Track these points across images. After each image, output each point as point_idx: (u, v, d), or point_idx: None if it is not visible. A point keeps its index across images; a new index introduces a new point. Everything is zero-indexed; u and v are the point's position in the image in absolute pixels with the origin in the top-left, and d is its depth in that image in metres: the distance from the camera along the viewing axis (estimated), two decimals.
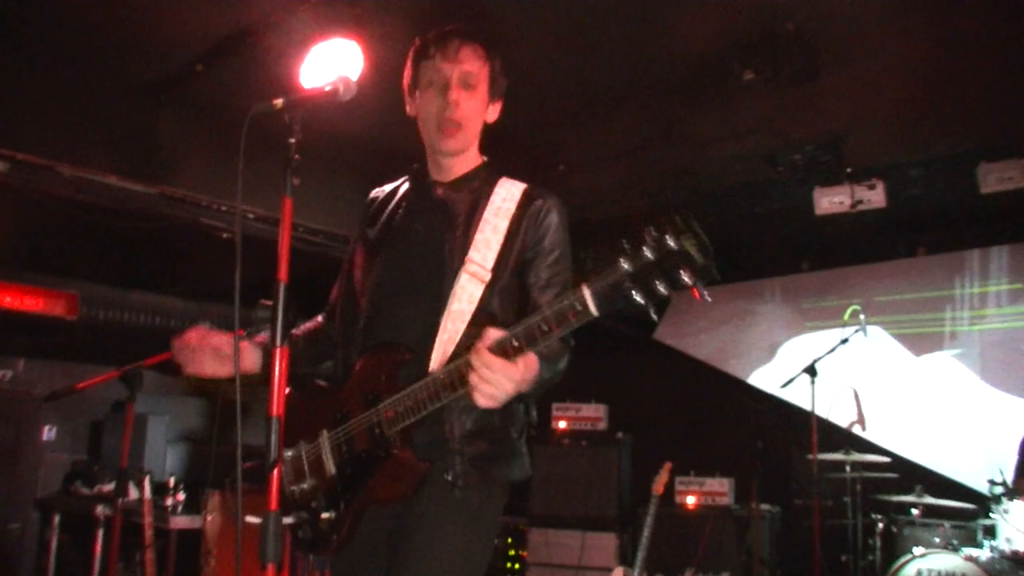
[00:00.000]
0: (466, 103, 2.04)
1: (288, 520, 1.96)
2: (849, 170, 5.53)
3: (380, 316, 2.03)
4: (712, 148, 5.47)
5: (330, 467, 1.95)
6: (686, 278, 1.46)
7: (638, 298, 1.52)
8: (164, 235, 5.49)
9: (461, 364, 1.71)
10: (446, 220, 2.02)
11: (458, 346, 1.88)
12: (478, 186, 2.06)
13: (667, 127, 5.27)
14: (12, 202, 5.15)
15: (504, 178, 2.08)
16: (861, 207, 5.48)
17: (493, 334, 1.66)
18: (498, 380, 1.63)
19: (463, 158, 2.11)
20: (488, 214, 1.99)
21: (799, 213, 5.77)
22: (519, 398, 1.83)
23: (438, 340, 1.88)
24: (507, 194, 2.03)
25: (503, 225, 1.97)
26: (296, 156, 1.77)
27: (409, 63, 2.15)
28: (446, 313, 1.90)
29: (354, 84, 1.86)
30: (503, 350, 1.64)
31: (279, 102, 1.79)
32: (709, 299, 1.49)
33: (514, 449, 2.00)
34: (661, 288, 1.50)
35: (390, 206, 2.19)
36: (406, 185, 2.22)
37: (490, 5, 4.09)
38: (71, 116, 4.73)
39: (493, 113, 2.15)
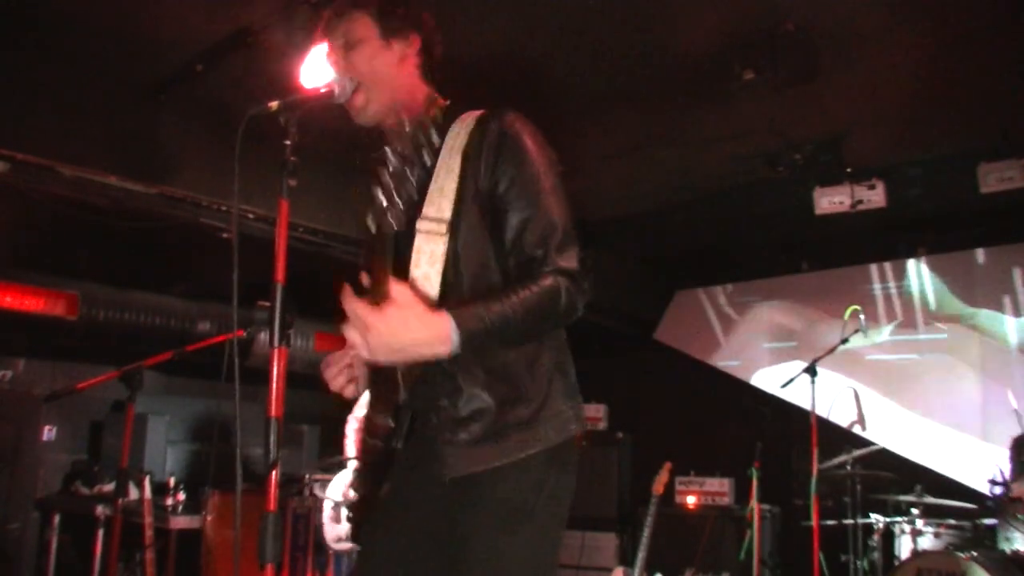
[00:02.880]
0: (353, 61, 1.86)
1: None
2: (849, 170, 5.53)
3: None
4: (712, 148, 5.47)
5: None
6: None
7: None
8: (164, 235, 5.49)
9: None
10: (396, 183, 1.83)
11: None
12: (428, 136, 1.81)
13: (667, 127, 5.27)
14: (12, 202, 5.15)
15: (465, 114, 1.82)
16: (861, 207, 5.48)
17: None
18: (358, 327, 1.51)
19: (404, 116, 1.89)
20: (441, 158, 1.75)
21: (799, 213, 5.77)
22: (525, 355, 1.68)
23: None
24: (460, 128, 1.78)
25: (456, 163, 1.72)
26: (292, 158, 1.76)
27: None
28: (409, 282, 1.66)
29: (350, 85, 1.85)
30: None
31: (275, 104, 1.78)
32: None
33: (513, 424, 1.69)
34: None
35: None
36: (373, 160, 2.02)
37: (491, 5, 4.10)
38: (71, 116, 4.73)
39: (408, 48, 1.90)
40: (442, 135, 1.79)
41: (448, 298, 1.66)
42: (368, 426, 1.76)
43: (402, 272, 1.73)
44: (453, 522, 1.70)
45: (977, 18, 4.04)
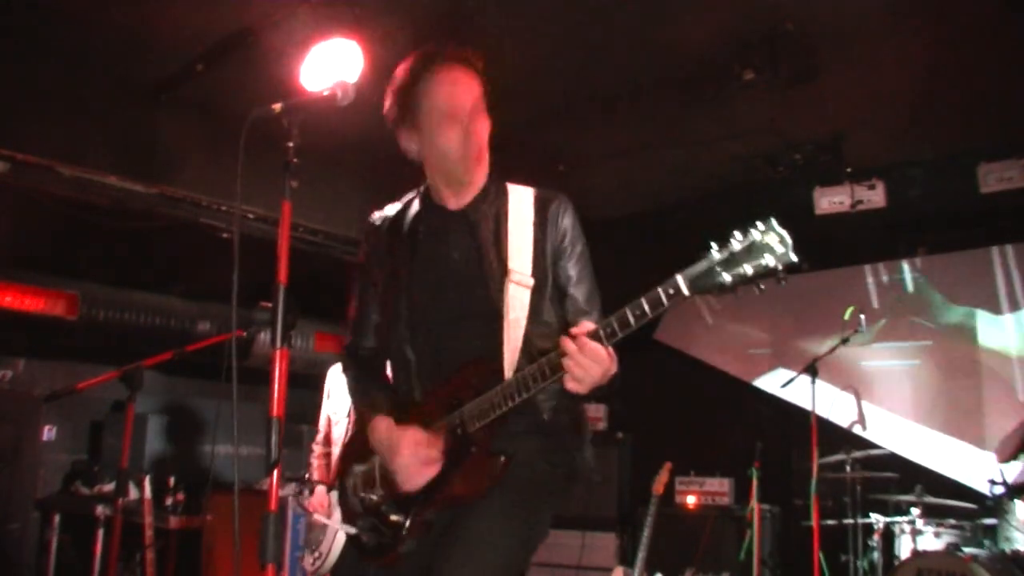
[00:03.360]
0: (483, 129, 2.09)
1: (351, 530, 2.08)
2: (849, 170, 5.53)
3: (442, 342, 2.10)
4: (712, 148, 5.47)
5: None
6: (769, 261, 1.67)
7: (727, 278, 1.68)
8: (164, 235, 5.49)
9: (552, 355, 1.83)
10: (477, 239, 2.09)
11: (522, 351, 1.99)
12: (492, 198, 2.13)
13: (667, 127, 5.27)
14: (12, 202, 5.15)
15: (510, 184, 2.16)
16: (861, 207, 5.48)
17: (588, 324, 1.80)
18: (588, 364, 1.76)
19: (474, 179, 2.15)
20: (512, 224, 2.08)
21: (799, 213, 5.77)
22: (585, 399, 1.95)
23: (505, 349, 1.98)
24: (521, 201, 2.12)
25: (528, 231, 2.07)
26: (294, 160, 1.76)
27: (399, 93, 2.11)
28: (504, 324, 2.00)
29: (352, 89, 1.86)
30: (596, 337, 1.77)
31: (278, 107, 1.79)
32: (784, 283, 1.69)
33: (580, 443, 2.13)
34: (747, 269, 1.67)
35: (404, 231, 2.21)
36: (416, 207, 2.23)
37: (491, 5, 4.10)
38: (71, 116, 4.73)
39: (490, 127, 2.19)
40: (503, 202, 2.12)
41: (529, 338, 2.00)
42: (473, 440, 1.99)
43: (452, 303, 2.09)
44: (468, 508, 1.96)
45: (977, 18, 4.05)
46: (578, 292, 2.11)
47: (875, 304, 6.68)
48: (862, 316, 5.35)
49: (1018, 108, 4.81)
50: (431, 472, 1.96)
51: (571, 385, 1.79)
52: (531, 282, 2.03)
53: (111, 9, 4.14)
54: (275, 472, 1.54)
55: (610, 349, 1.81)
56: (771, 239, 1.72)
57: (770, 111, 4.90)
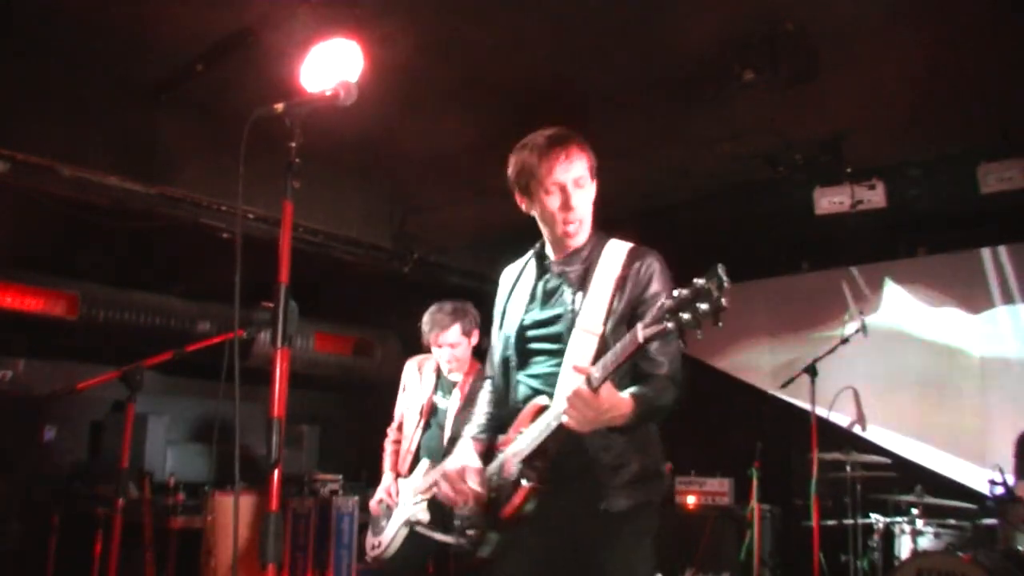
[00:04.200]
0: (581, 201, 2.35)
1: (448, 539, 2.40)
2: (849, 170, 5.53)
3: (519, 382, 2.40)
4: (712, 148, 5.47)
5: (483, 496, 2.31)
6: (704, 307, 1.81)
7: (670, 326, 1.83)
8: (164, 235, 5.49)
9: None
10: (563, 290, 2.34)
11: None
12: (588, 255, 2.36)
13: (667, 127, 5.27)
14: (12, 202, 5.15)
15: (612, 240, 2.39)
16: (861, 207, 5.48)
17: (589, 369, 1.99)
18: (580, 406, 1.95)
19: (576, 237, 2.40)
20: (596, 277, 2.29)
21: (799, 213, 5.77)
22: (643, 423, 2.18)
23: (558, 390, 2.21)
24: (614, 255, 2.33)
25: (610, 283, 2.27)
26: (296, 160, 1.77)
27: (517, 163, 2.41)
28: (563, 367, 2.22)
29: (355, 88, 1.86)
30: (587, 382, 1.96)
31: (280, 107, 1.79)
32: (720, 326, 1.81)
33: (658, 470, 2.31)
34: (686, 317, 1.81)
35: (519, 281, 2.52)
36: (531, 262, 2.52)
37: (491, 6, 4.10)
38: (71, 116, 4.73)
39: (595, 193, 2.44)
40: (597, 258, 2.33)
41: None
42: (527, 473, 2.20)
43: (534, 345, 2.37)
44: (596, 543, 2.23)
45: (977, 18, 4.05)
46: (656, 345, 2.17)
47: (875, 303, 6.68)
48: (862, 316, 5.35)
49: (1018, 108, 4.81)
50: (459, 500, 2.28)
51: (570, 424, 1.99)
52: (599, 330, 2.20)
53: (111, 9, 4.14)
54: (276, 472, 1.54)
55: (617, 395, 2.00)
56: (712, 286, 1.84)
57: (770, 111, 4.90)
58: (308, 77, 3.91)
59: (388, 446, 4.36)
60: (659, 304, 1.87)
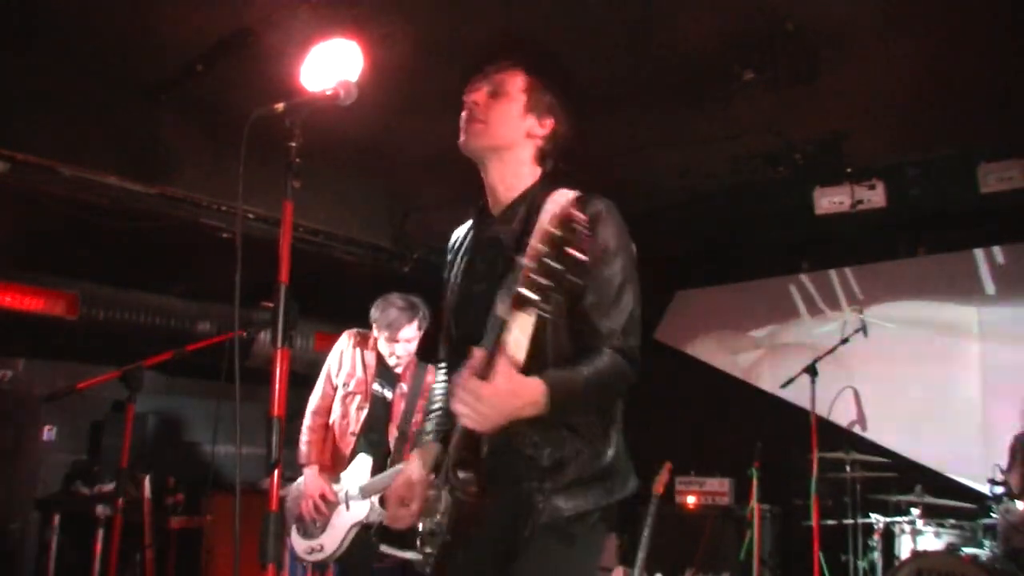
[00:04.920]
0: (488, 104, 2.02)
1: (414, 556, 1.99)
2: (849, 170, 5.53)
3: (460, 364, 1.99)
4: (712, 148, 5.47)
5: (441, 504, 1.93)
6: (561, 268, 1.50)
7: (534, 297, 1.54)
8: (164, 235, 5.49)
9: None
10: (496, 256, 1.96)
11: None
12: (525, 212, 1.97)
13: (667, 127, 5.27)
14: (12, 202, 5.15)
15: (558, 190, 1.86)
16: (861, 207, 5.48)
17: (476, 355, 1.67)
18: (470, 401, 1.62)
19: (510, 182, 2.05)
20: (534, 235, 1.80)
21: (799, 213, 5.77)
22: (596, 416, 1.89)
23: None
24: (552, 208, 1.81)
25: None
26: (297, 159, 1.77)
27: None
28: (501, 349, 1.76)
29: (355, 88, 1.86)
30: (475, 369, 1.65)
31: (280, 106, 1.79)
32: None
33: (610, 469, 1.93)
34: (545, 282, 1.53)
35: (461, 249, 2.18)
36: (469, 232, 2.20)
37: (491, 6, 4.10)
38: (71, 116, 4.73)
39: (541, 129, 2.06)
40: (536, 209, 1.85)
41: (533, 361, 1.75)
42: (452, 482, 1.85)
43: (469, 324, 1.96)
44: (520, 561, 1.86)
45: (977, 18, 4.04)
46: (589, 299, 1.86)
47: (875, 303, 6.67)
48: (862, 316, 5.35)
49: (1018, 108, 4.81)
50: (404, 516, 1.94)
51: (466, 423, 1.67)
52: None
53: (111, 9, 4.14)
54: (276, 472, 1.54)
55: (503, 383, 1.62)
56: (568, 234, 1.54)
57: (770, 111, 4.90)
58: (308, 77, 3.91)
59: (307, 432, 3.96)
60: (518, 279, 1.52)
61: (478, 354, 1.66)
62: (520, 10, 4.11)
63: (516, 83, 2.04)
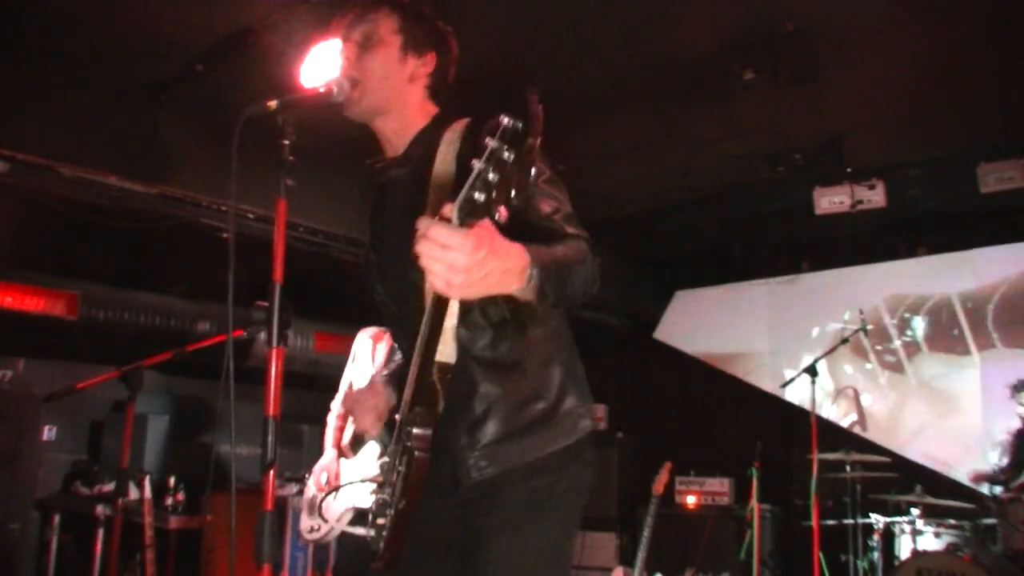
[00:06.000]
0: (362, 59, 1.85)
1: (363, 531, 1.84)
2: (849, 170, 5.53)
3: (395, 323, 1.93)
4: (712, 148, 5.47)
5: (392, 472, 1.74)
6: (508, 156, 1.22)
7: (483, 200, 1.25)
8: (164, 235, 5.49)
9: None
10: (398, 202, 1.83)
11: (460, 321, 1.63)
12: (422, 150, 1.79)
13: (667, 127, 5.27)
14: (12, 202, 5.16)
15: (456, 122, 1.77)
16: (861, 207, 5.48)
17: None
18: (440, 252, 1.26)
19: (402, 130, 1.88)
20: (436, 169, 1.70)
21: (799, 213, 5.77)
22: (543, 361, 1.69)
23: (424, 324, 1.58)
24: (453, 136, 1.73)
25: (451, 168, 1.67)
26: (290, 158, 1.76)
27: None
28: (426, 294, 1.57)
29: (347, 84, 1.85)
30: (442, 220, 1.29)
31: (273, 104, 1.78)
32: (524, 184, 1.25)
33: (535, 420, 1.70)
34: (492, 177, 1.23)
35: (372, 211, 2.05)
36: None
37: (490, 5, 4.10)
38: (71, 116, 4.73)
39: (423, 67, 1.91)
40: (434, 144, 1.75)
41: (463, 305, 1.60)
42: (419, 443, 1.61)
43: (389, 279, 1.83)
44: (470, 530, 1.70)
45: (977, 18, 4.04)
46: (543, 219, 1.64)
47: (875, 303, 6.67)
48: (862, 316, 5.35)
49: (1018, 108, 4.81)
50: (372, 420, 1.86)
51: (437, 284, 1.30)
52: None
53: (111, 9, 4.14)
54: (271, 472, 1.54)
55: (481, 232, 1.27)
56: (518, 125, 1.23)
57: (770, 111, 4.90)
58: (308, 77, 3.90)
59: (332, 420, 4.15)
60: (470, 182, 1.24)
61: (445, 208, 1.30)
62: (520, 11, 4.11)
63: (386, 24, 1.87)
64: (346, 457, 4.01)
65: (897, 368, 6.47)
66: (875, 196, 5.44)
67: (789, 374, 5.58)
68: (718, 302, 7.60)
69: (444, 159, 1.70)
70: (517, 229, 1.40)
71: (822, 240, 6.73)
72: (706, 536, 6.17)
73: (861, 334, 5.85)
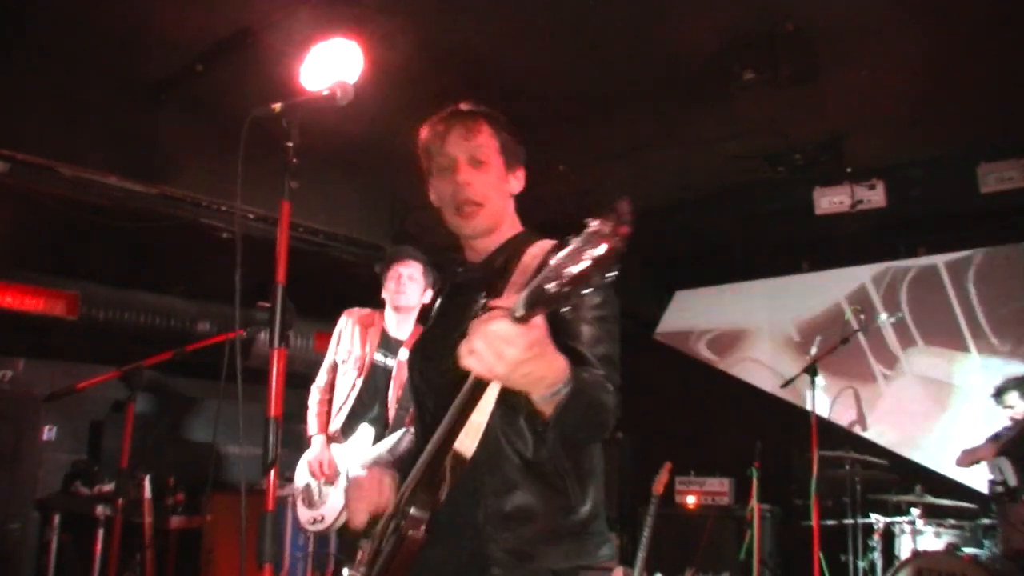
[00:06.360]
0: (478, 181, 1.92)
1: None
2: (849, 170, 5.53)
3: (423, 412, 1.93)
4: (712, 148, 5.47)
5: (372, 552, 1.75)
6: (585, 264, 1.24)
7: (552, 289, 1.26)
8: (164, 235, 5.49)
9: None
10: (468, 298, 1.85)
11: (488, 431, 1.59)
12: (506, 256, 1.89)
13: (667, 127, 5.27)
14: (12, 202, 5.16)
15: (539, 241, 1.87)
16: (861, 207, 5.48)
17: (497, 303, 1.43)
18: (493, 339, 1.32)
19: (495, 237, 1.97)
20: (515, 277, 1.77)
21: (799, 213, 5.77)
22: (565, 474, 1.71)
23: (466, 429, 1.59)
24: (537, 251, 1.80)
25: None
26: (294, 160, 1.76)
27: (419, 140, 2.06)
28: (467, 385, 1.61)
29: (351, 88, 1.86)
30: (509, 313, 1.34)
31: (277, 107, 1.79)
32: (612, 276, 1.25)
33: (566, 531, 1.72)
34: (569, 275, 1.24)
35: (435, 306, 2.08)
36: (447, 283, 2.11)
37: (490, 5, 4.10)
38: (71, 116, 4.73)
39: (517, 184, 2.01)
40: (518, 258, 1.83)
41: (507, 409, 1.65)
42: (413, 524, 1.60)
43: (435, 371, 1.83)
44: None
45: (977, 18, 4.04)
46: (580, 346, 1.68)
47: (875, 303, 6.68)
48: (862, 316, 5.35)
49: (1018, 108, 4.81)
50: (361, 512, 1.78)
51: (472, 363, 1.34)
52: None
53: (111, 9, 4.14)
54: (272, 472, 1.54)
55: (535, 331, 1.34)
56: (606, 228, 1.25)
57: (770, 111, 4.90)
58: (308, 77, 3.91)
59: (315, 406, 4.06)
60: (542, 274, 1.27)
61: (512, 296, 1.35)
62: (520, 10, 4.11)
63: (490, 144, 1.95)
64: (337, 443, 3.95)
65: (897, 368, 6.48)
66: (875, 196, 5.44)
67: (789, 374, 5.58)
68: (718, 302, 7.61)
69: (522, 273, 1.77)
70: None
71: (822, 240, 6.73)
72: (706, 536, 6.17)
73: (860, 334, 5.85)
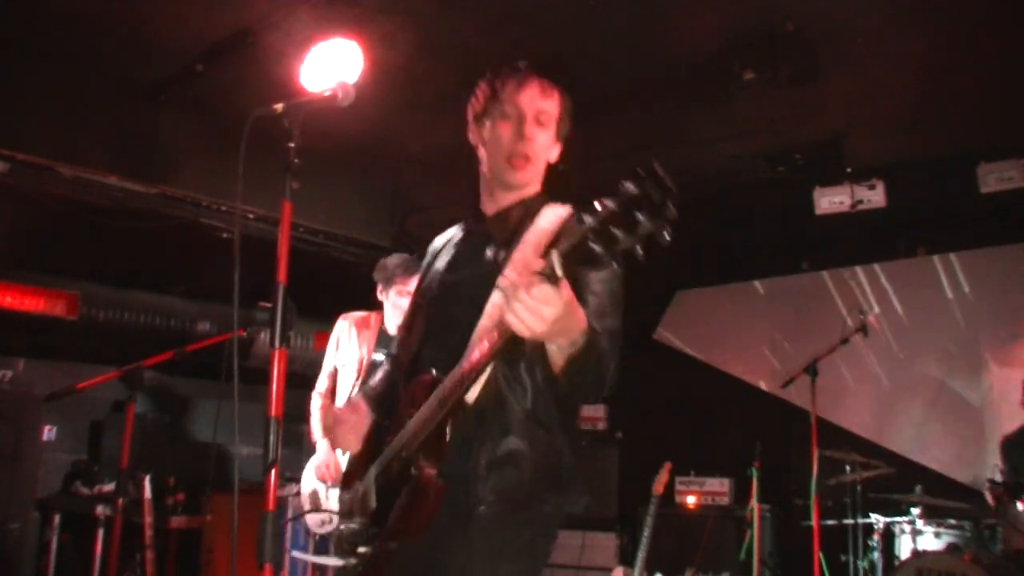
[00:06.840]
0: (538, 138, 2.03)
1: (337, 562, 1.91)
2: (849, 170, 5.53)
3: (420, 355, 2.02)
4: (712, 148, 5.47)
5: (372, 501, 1.89)
6: (643, 220, 1.29)
7: (599, 251, 1.34)
8: (164, 235, 5.49)
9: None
10: (482, 249, 1.98)
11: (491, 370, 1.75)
12: (522, 214, 2.01)
13: (667, 127, 5.27)
14: (12, 202, 5.16)
15: (553, 205, 2.00)
16: (861, 207, 5.48)
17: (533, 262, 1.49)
18: (536, 301, 1.43)
19: (520, 192, 2.08)
20: (529, 235, 1.90)
21: (799, 213, 5.77)
22: (552, 428, 1.82)
23: (466, 359, 1.73)
24: (552, 215, 1.94)
25: (542, 239, 1.85)
26: (295, 160, 1.77)
27: (480, 92, 2.13)
28: (475, 333, 1.78)
29: (352, 89, 1.87)
30: (544, 274, 1.44)
31: (279, 107, 1.80)
32: (668, 239, 1.31)
33: (551, 477, 1.85)
34: (619, 235, 1.31)
35: (445, 246, 2.19)
36: (457, 230, 2.21)
37: (490, 5, 4.10)
38: (71, 116, 4.74)
39: (555, 153, 2.14)
40: (533, 217, 1.95)
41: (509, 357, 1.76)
42: (418, 474, 1.74)
43: (443, 316, 1.98)
44: (444, 544, 1.80)
45: (977, 18, 4.05)
46: (593, 312, 1.75)
47: (875, 303, 6.67)
48: (862, 316, 5.35)
49: (1018, 108, 4.81)
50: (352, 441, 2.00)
51: (518, 325, 1.46)
52: None
53: (111, 9, 4.14)
54: (273, 472, 1.54)
55: (567, 290, 1.46)
56: (649, 187, 1.30)
57: (770, 111, 4.90)
58: (308, 77, 3.91)
59: (317, 411, 4.10)
60: (579, 227, 1.35)
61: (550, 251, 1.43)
62: (520, 10, 4.11)
63: (555, 111, 2.06)
64: None
65: (896, 367, 6.47)
66: (875, 196, 5.45)
67: (789, 374, 5.58)
68: (718, 302, 7.60)
69: (537, 232, 1.89)
70: None
71: (822, 240, 6.72)
72: (706, 536, 6.17)
73: (860, 334, 5.84)
